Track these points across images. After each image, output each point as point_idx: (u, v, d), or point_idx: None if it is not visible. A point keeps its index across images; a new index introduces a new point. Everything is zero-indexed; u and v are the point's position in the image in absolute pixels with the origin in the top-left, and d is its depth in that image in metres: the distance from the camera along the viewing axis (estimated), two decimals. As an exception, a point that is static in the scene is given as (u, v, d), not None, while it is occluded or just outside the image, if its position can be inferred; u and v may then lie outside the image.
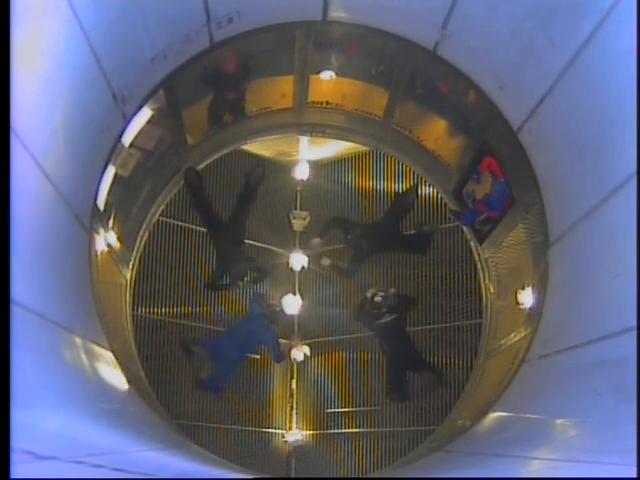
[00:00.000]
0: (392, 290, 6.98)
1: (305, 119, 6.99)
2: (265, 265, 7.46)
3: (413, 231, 7.34)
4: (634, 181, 3.17)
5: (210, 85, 6.16)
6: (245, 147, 7.47)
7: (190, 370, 6.91)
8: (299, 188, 8.02)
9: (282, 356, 7.02)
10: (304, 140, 7.62)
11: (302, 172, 7.89)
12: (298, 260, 7.62)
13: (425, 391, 7.01)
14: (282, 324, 7.27)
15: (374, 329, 7.08)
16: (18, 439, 1.96)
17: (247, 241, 7.47)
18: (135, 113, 4.94)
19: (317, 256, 7.61)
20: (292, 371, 7.58)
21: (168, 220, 7.13)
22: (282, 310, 7.18)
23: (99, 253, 5.01)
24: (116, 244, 5.67)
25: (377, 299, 6.83)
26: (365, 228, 7.35)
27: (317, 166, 8.00)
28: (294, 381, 7.61)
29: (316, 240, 7.57)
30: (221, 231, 7.15)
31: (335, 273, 7.56)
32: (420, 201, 7.48)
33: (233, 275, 7.14)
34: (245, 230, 7.26)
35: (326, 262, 7.46)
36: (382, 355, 7.25)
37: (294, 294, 7.49)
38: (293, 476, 7.35)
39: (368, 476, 7.20)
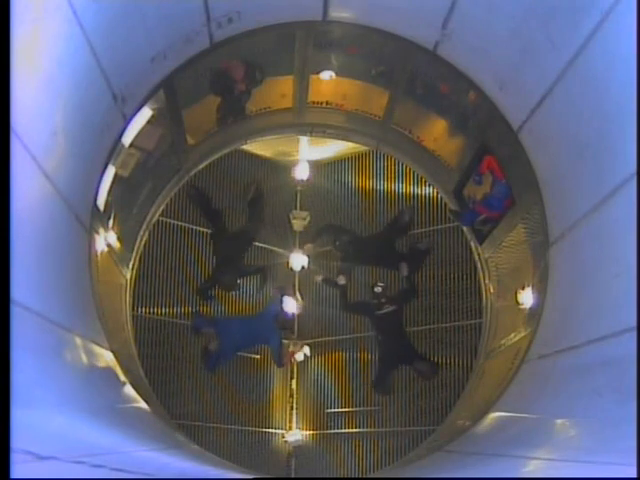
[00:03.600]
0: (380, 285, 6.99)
1: (305, 119, 6.98)
2: (265, 265, 7.42)
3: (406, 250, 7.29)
4: (634, 181, 3.17)
5: (218, 92, 6.19)
6: (245, 147, 7.48)
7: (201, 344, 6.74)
8: (299, 188, 8.03)
9: (282, 362, 6.86)
10: (304, 140, 7.62)
11: (302, 172, 7.90)
12: (298, 260, 7.63)
13: (421, 380, 7.01)
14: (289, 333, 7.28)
15: (373, 320, 7.00)
16: (18, 439, 1.95)
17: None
18: (135, 113, 4.93)
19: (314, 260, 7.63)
20: (292, 371, 7.60)
21: (168, 220, 7.14)
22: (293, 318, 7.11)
23: (99, 253, 5.00)
24: (116, 244, 5.66)
25: (377, 289, 6.83)
26: (354, 236, 7.36)
27: (317, 166, 8.00)
28: (294, 381, 7.62)
29: (308, 246, 7.63)
30: (224, 242, 7.05)
31: (329, 286, 7.53)
32: (420, 201, 7.48)
33: (224, 285, 7.04)
34: (250, 244, 7.20)
35: (318, 278, 7.49)
36: (376, 347, 7.15)
37: (294, 294, 7.50)
38: (293, 476, 7.35)
39: (368, 476, 7.20)
